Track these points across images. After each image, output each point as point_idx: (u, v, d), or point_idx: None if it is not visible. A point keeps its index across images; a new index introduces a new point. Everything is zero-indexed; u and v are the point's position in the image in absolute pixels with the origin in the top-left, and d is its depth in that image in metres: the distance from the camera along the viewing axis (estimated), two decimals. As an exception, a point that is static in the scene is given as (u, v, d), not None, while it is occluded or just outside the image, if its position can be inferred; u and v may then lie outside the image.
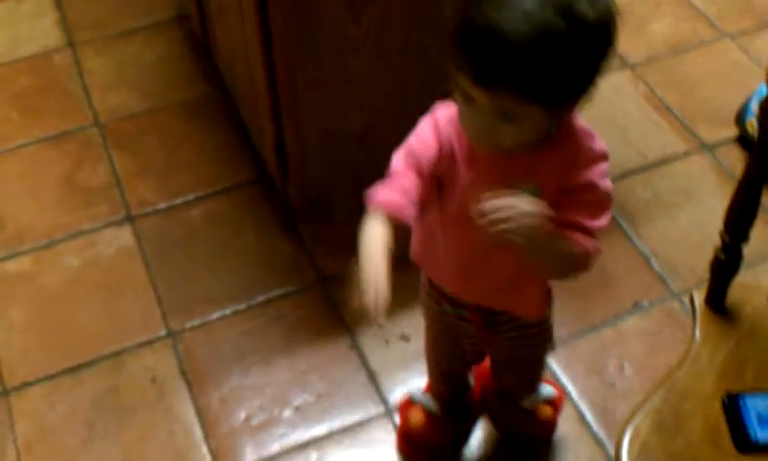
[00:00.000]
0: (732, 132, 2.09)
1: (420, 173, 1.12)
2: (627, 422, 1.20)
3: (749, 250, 1.32)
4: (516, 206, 1.03)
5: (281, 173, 1.88)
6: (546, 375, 1.59)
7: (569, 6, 0.98)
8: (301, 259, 1.89)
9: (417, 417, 1.56)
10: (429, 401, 1.56)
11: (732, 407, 1.18)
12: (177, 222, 1.96)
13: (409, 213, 1.10)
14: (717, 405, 1.20)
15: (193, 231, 1.95)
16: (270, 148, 1.86)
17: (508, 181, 1.08)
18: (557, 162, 1.11)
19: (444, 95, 1.11)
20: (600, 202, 1.12)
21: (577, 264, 1.13)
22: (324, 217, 1.92)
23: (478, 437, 1.61)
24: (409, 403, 1.59)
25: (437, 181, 1.15)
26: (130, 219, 1.97)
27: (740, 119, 2.06)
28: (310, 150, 1.82)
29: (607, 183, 1.12)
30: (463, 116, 1.08)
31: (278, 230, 1.94)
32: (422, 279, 1.36)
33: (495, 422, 1.61)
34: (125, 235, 1.94)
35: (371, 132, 1.79)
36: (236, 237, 1.94)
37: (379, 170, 1.15)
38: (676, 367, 1.27)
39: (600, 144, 1.13)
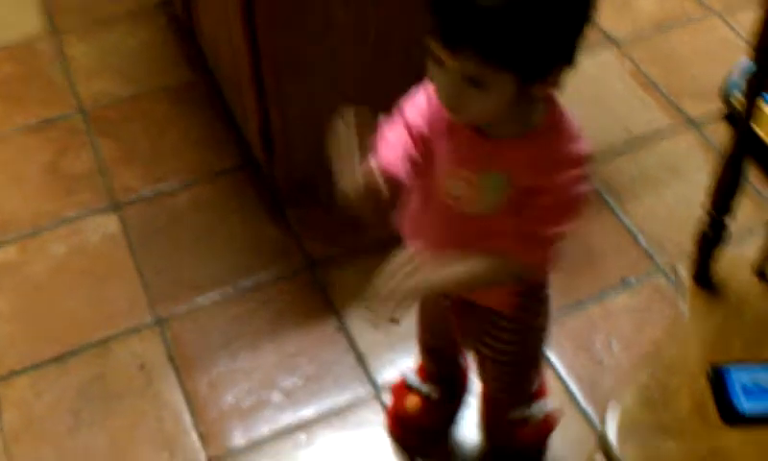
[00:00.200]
0: (719, 108, 2.09)
1: (410, 134, 1.13)
2: (614, 398, 1.20)
3: (735, 225, 1.32)
4: (393, 274, 1.05)
5: (267, 155, 1.87)
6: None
7: None
8: (289, 244, 1.88)
9: (413, 402, 1.56)
10: (427, 388, 1.55)
11: (718, 380, 1.18)
12: (162, 208, 1.95)
13: (398, 170, 1.10)
14: (704, 380, 1.20)
15: (179, 218, 1.94)
16: (255, 130, 1.85)
17: (480, 162, 1.08)
18: (530, 158, 1.07)
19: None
20: (562, 208, 1.08)
21: (513, 274, 1.13)
22: (310, 200, 1.91)
23: (467, 417, 1.61)
24: (404, 388, 1.58)
25: (426, 146, 1.14)
26: (115, 206, 1.96)
27: (724, 95, 2.05)
28: (295, 131, 1.81)
29: (576, 190, 1.08)
30: (434, 80, 1.06)
31: (265, 214, 1.94)
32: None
33: (484, 432, 1.58)
34: (110, 222, 1.93)
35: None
36: (222, 223, 1.93)
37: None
38: (663, 342, 1.26)
39: (580, 148, 1.08)
